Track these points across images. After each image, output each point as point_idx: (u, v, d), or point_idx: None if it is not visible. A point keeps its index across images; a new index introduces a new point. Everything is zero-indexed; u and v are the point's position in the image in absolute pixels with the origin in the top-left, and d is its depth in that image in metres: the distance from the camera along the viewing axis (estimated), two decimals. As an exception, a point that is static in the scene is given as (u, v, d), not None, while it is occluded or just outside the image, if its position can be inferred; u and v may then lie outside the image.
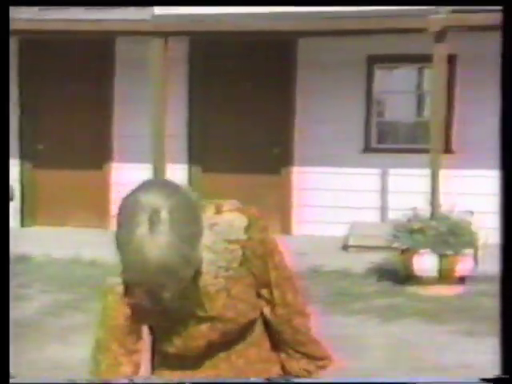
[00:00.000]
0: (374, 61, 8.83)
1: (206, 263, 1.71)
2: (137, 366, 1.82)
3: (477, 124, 8.52)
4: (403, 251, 6.91)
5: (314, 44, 8.70)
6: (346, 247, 8.22)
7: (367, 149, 8.98)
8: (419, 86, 9.52)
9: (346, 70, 8.77)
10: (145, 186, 1.61)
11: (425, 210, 7.29)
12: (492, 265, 7.22)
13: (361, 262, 7.47)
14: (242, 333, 1.84)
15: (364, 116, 8.97)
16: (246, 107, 9.02)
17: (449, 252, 6.70)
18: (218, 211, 1.76)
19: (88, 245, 7.97)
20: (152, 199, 1.55)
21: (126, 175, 9.08)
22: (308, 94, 8.93)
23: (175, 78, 8.66)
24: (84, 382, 1.83)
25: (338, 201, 8.83)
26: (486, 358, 5.06)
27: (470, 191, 8.14)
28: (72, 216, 9.35)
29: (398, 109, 9.50)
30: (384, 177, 8.93)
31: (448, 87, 8.07)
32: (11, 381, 1.86)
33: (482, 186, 8.43)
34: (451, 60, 8.19)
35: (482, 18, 7.47)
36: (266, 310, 1.86)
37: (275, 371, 1.90)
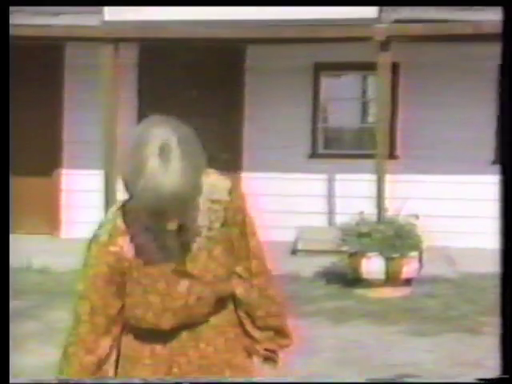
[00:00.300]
0: (320, 68, 9.01)
1: (189, 220, 1.78)
2: (115, 325, 1.85)
3: (420, 130, 8.77)
4: (351, 255, 7.06)
5: (262, 51, 8.82)
6: (294, 251, 8.34)
7: (314, 154, 9.14)
8: (364, 93, 9.74)
9: (293, 77, 8.92)
10: (151, 121, 1.72)
11: (372, 214, 7.48)
12: (436, 266, 7.48)
13: (310, 266, 7.60)
14: (212, 313, 1.89)
15: (311, 122, 9.13)
16: (196, 113, 9.07)
17: (395, 255, 6.89)
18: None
19: (38, 252, 7.91)
20: (161, 131, 1.65)
21: (75, 182, 9.05)
22: (256, 100, 9.04)
23: (125, 84, 8.68)
24: (84, 382, 1.85)
25: (285, 206, 8.95)
26: (431, 356, 5.25)
27: (415, 195, 8.36)
28: (22, 223, 9.26)
29: (344, 115, 9.69)
30: (331, 182, 9.10)
31: (392, 94, 8.29)
32: (11, 381, 1.88)
33: (426, 191, 8.69)
34: (395, 68, 8.43)
35: (424, 29, 7.71)
36: (240, 290, 1.94)
37: (239, 360, 1.97)
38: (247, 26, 7.73)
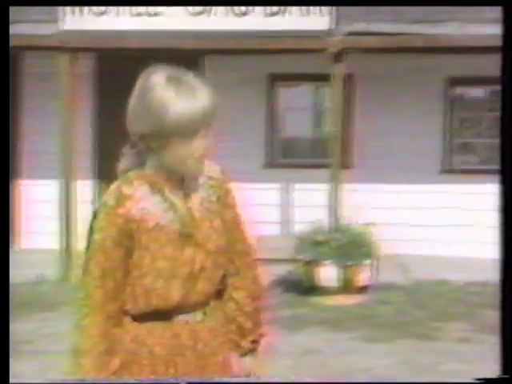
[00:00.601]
0: (276, 79, 9.11)
1: (193, 189, 1.94)
2: (121, 292, 1.88)
3: (373, 140, 8.92)
4: (307, 263, 7.15)
5: (219, 62, 8.88)
6: (251, 260, 8.38)
7: (270, 164, 9.23)
8: (318, 103, 9.88)
9: (249, 87, 9.00)
10: (148, 72, 1.91)
11: (327, 222, 7.59)
12: (389, 274, 7.61)
13: (266, 275, 7.64)
14: (212, 298, 1.98)
15: (266, 132, 9.22)
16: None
17: (350, 263, 7.00)
18: None
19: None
20: (172, 71, 1.88)
21: (34, 192, 8.97)
22: (212, 110, 9.08)
23: (83, 93, 8.65)
24: (84, 381, 1.87)
25: (242, 215, 8.98)
26: (386, 361, 5.36)
27: (369, 204, 8.50)
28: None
29: (299, 125, 9.80)
30: (287, 191, 9.20)
31: (346, 105, 8.43)
32: (11, 381, 1.88)
33: (380, 199, 8.84)
34: (348, 79, 8.57)
35: (376, 41, 7.88)
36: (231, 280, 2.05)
37: (229, 361, 2.07)
38: (205, 37, 7.79)
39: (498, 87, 10.54)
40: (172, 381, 1.90)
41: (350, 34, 7.92)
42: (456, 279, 7.67)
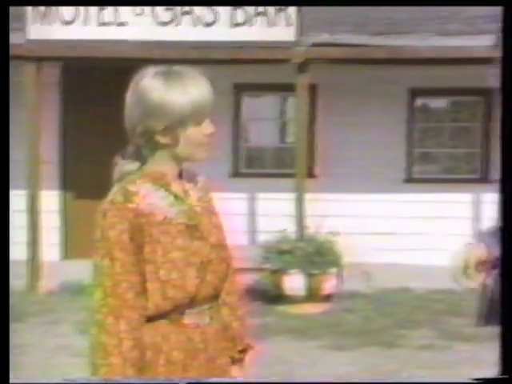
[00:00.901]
0: (241, 89, 9.17)
1: (189, 188, 2.01)
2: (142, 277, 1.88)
3: (337, 149, 9.03)
4: (273, 272, 7.20)
5: (184, 72, 8.90)
6: (217, 269, 8.40)
7: (236, 173, 9.28)
8: (283, 113, 9.96)
9: (215, 97, 9.00)
10: (137, 77, 1.97)
11: (292, 231, 7.65)
12: (354, 282, 7.69)
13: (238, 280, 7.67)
14: (219, 294, 2.04)
15: (232, 142, 9.27)
16: (120, 134, 9.06)
17: (316, 271, 7.07)
18: None
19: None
20: (150, 72, 1.96)
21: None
22: (178, 120, 9.10)
23: (50, 103, 8.61)
24: (84, 381, 1.86)
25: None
26: (351, 369, 5.43)
27: (334, 213, 8.59)
28: None
29: (264, 135, 9.87)
30: (252, 200, 9.25)
31: (310, 115, 8.52)
32: (11, 381, 1.88)
33: (344, 208, 8.94)
34: (313, 89, 8.67)
35: (340, 52, 7.99)
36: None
37: (228, 364, 2.13)
38: (172, 47, 7.81)
39: (458, 98, 10.77)
40: (172, 381, 1.92)
41: (315, 44, 8.02)
42: (419, 287, 7.79)
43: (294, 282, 7.09)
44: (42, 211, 8.01)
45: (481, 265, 2.25)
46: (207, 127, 1.96)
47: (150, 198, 1.92)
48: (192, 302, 1.94)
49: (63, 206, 9.18)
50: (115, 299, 1.85)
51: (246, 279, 7.68)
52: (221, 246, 2.03)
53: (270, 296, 7.27)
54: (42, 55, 7.98)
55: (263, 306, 7.22)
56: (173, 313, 1.93)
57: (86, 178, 9.15)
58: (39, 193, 8.00)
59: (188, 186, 2.03)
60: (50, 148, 8.77)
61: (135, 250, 1.87)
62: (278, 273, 7.16)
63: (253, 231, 9.22)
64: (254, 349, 2.21)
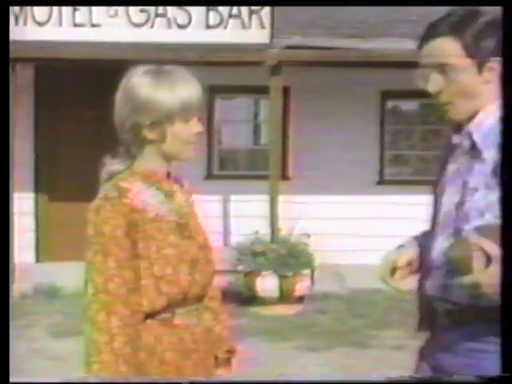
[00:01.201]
0: (215, 91, 9.17)
1: (176, 189, 2.04)
2: (136, 275, 1.88)
3: (310, 152, 9.08)
4: (246, 274, 7.23)
5: (157, 74, 8.89)
6: (190, 271, 8.40)
7: (209, 176, 9.28)
8: (257, 115, 10.00)
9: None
10: (127, 76, 2.01)
11: (266, 233, 7.68)
12: (327, 283, 7.74)
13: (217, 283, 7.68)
14: (205, 295, 2.06)
15: (206, 144, 9.27)
16: (93, 135, 9.04)
17: (289, 273, 7.10)
18: None
19: None
20: (151, 66, 2.01)
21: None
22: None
23: (23, 104, 8.55)
24: (84, 381, 1.85)
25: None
26: (324, 369, 5.47)
27: (307, 215, 8.63)
28: None
29: (238, 137, 9.89)
30: (226, 202, 9.26)
31: (283, 117, 8.57)
32: (11, 380, 1.86)
33: (317, 210, 8.99)
34: (286, 92, 8.72)
35: (313, 55, 8.05)
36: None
37: (214, 365, 2.16)
38: (146, 49, 7.81)
39: (428, 100, 10.87)
40: (173, 381, 1.92)
41: (288, 47, 8.06)
42: (391, 288, 7.85)
43: (267, 284, 7.11)
44: (14, 213, 7.95)
45: (409, 267, 2.29)
46: (195, 126, 1.98)
47: (143, 195, 1.93)
48: (184, 299, 1.95)
49: (36, 208, 9.11)
50: (107, 295, 1.84)
51: (220, 281, 7.69)
52: (207, 246, 2.06)
53: (244, 298, 7.29)
54: (15, 56, 7.92)
55: (237, 307, 7.22)
56: (165, 311, 1.93)
57: (59, 180, 9.10)
58: (12, 195, 7.94)
59: (175, 187, 2.05)
60: (24, 150, 8.71)
61: (129, 246, 1.87)
62: (251, 274, 7.19)
63: (226, 233, 9.24)
64: (237, 352, 2.22)
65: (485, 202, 2.00)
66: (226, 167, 9.55)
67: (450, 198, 2.07)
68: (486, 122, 2.04)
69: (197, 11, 8.03)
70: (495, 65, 1.99)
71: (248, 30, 8.07)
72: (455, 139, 2.09)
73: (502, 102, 1.96)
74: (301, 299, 7.28)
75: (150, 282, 1.90)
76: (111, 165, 2.01)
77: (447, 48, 2.01)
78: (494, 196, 1.98)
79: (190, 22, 8.08)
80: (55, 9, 7.90)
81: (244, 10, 8.05)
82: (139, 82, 1.95)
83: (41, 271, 8.30)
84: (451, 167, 2.09)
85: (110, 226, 1.86)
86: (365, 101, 9.22)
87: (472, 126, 2.05)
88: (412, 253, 2.27)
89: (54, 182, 9.15)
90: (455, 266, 1.95)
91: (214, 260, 2.08)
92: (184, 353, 1.96)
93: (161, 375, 1.92)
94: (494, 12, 2.02)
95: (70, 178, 9.09)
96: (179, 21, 8.07)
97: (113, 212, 1.87)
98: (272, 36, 8.06)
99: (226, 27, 8.10)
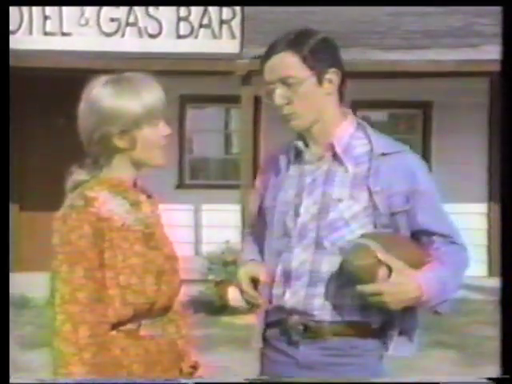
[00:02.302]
0: (186, 100, 9.19)
1: (142, 199, 2.03)
2: (105, 292, 1.86)
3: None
4: (218, 283, 7.23)
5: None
6: (161, 281, 8.38)
7: (181, 185, 9.28)
8: (227, 124, 10.02)
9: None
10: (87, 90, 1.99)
11: (237, 242, 7.68)
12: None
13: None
14: (172, 306, 2.04)
15: (177, 153, 9.27)
16: (65, 144, 8.98)
17: (260, 282, 7.12)
18: None
19: None
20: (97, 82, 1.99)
21: None
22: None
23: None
24: (85, 381, 1.82)
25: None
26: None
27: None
28: None
29: (209, 146, 9.91)
30: (197, 212, 9.26)
31: (254, 126, 8.60)
32: (11, 380, 1.84)
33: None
34: (257, 101, 8.75)
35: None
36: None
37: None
38: (116, 58, 7.80)
39: (397, 111, 10.97)
40: (172, 381, 1.94)
41: (258, 57, 8.10)
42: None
43: (238, 293, 7.11)
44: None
45: (255, 283, 2.28)
46: (163, 128, 1.98)
47: (109, 204, 1.92)
48: (150, 310, 1.94)
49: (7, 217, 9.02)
50: (73, 305, 1.82)
51: (191, 290, 7.68)
52: (174, 257, 2.05)
53: (215, 307, 7.29)
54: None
55: (208, 317, 7.23)
56: (131, 322, 1.92)
57: (31, 190, 9.03)
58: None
59: (142, 197, 2.04)
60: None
61: (96, 255, 1.85)
62: (222, 284, 7.19)
63: (197, 242, 9.23)
64: (200, 366, 2.19)
65: (350, 213, 2.07)
66: (197, 176, 9.55)
67: (307, 210, 2.12)
68: (345, 136, 2.14)
69: (167, 21, 8.05)
70: (333, 77, 2.13)
71: (218, 39, 8.11)
72: (299, 146, 2.19)
73: (501, 103, 2.00)
74: (272, 308, 7.29)
75: (115, 291, 1.88)
76: (78, 174, 2.00)
77: (287, 61, 2.11)
78: (359, 207, 2.07)
79: (160, 31, 8.09)
80: (26, 17, 7.86)
81: (215, 19, 8.08)
82: (101, 93, 1.94)
83: (11, 281, 8.21)
84: (307, 179, 2.15)
85: (76, 235, 1.84)
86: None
87: (334, 139, 2.14)
88: (258, 270, 2.27)
89: (25, 191, 9.08)
90: (358, 275, 1.99)
91: (180, 271, 2.08)
92: (149, 365, 1.95)
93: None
94: (325, 33, 2.19)
95: (41, 188, 9.02)
96: (150, 30, 8.08)
97: (79, 221, 1.86)
98: (242, 46, 8.10)
99: (196, 37, 8.13)
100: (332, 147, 2.13)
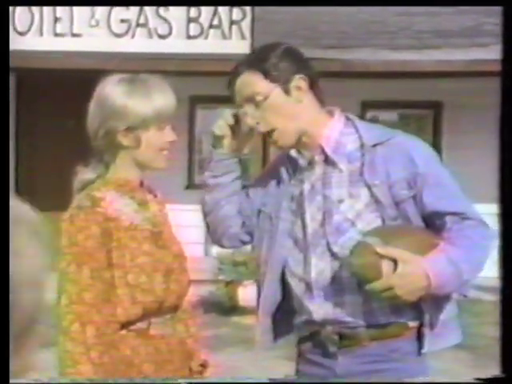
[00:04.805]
0: (195, 101, 9.20)
1: (149, 199, 2.03)
2: (113, 293, 1.86)
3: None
4: (228, 283, 7.23)
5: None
6: (171, 281, 8.40)
7: (190, 185, 9.29)
8: (238, 125, 10.03)
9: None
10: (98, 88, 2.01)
11: (247, 243, 7.69)
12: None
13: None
14: (180, 305, 2.05)
15: (187, 153, 9.28)
16: (74, 144, 9.00)
17: (269, 282, 7.12)
18: None
19: None
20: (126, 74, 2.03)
21: None
22: (132, 132, 9.10)
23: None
24: (85, 381, 1.82)
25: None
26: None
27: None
28: None
29: (219, 147, 9.91)
30: (207, 212, 9.26)
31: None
32: (11, 381, 1.85)
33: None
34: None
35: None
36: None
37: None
38: (127, 59, 7.82)
39: (407, 111, 10.96)
40: (173, 381, 1.93)
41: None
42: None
43: (248, 293, 7.12)
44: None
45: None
46: (169, 134, 1.99)
47: (116, 204, 1.92)
48: (159, 308, 1.94)
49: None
50: (81, 305, 1.82)
51: (201, 291, 7.69)
52: (182, 256, 2.05)
53: (225, 307, 7.29)
54: (-6, 66, 7.92)
55: (218, 317, 7.23)
56: (141, 321, 1.92)
57: (41, 189, 9.06)
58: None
59: (149, 196, 2.05)
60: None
61: (104, 255, 1.86)
62: (232, 284, 7.19)
63: (207, 243, 9.23)
64: (209, 365, 2.20)
65: (353, 212, 2.01)
66: (207, 177, 9.55)
67: (313, 217, 2.07)
68: (333, 135, 2.10)
69: (177, 21, 8.07)
70: (301, 83, 2.08)
71: (228, 40, 8.11)
72: (294, 155, 2.15)
73: (501, 103, 1.99)
74: (282, 308, 7.29)
75: (124, 291, 1.88)
76: (83, 174, 2.00)
77: (248, 80, 2.10)
78: (361, 204, 2.01)
79: (170, 32, 8.11)
80: (36, 18, 7.89)
81: (225, 20, 8.09)
82: (114, 90, 1.95)
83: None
84: (306, 187, 2.11)
85: (84, 236, 1.85)
86: (345, 111, 9.24)
87: (322, 141, 2.09)
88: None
89: (36, 191, 9.12)
90: (362, 274, 1.93)
91: (188, 270, 2.07)
92: (160, 364, 1.95)
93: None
94: (288, 43, 2.16)
95: (49, 188, 9.05)
96: (160, 31, 8.10)
97: (86, 221, 1.86)
98: (252, 46, 8.10)
99: (206, 37, 8.14)
100: (322, 149, 2.08)
